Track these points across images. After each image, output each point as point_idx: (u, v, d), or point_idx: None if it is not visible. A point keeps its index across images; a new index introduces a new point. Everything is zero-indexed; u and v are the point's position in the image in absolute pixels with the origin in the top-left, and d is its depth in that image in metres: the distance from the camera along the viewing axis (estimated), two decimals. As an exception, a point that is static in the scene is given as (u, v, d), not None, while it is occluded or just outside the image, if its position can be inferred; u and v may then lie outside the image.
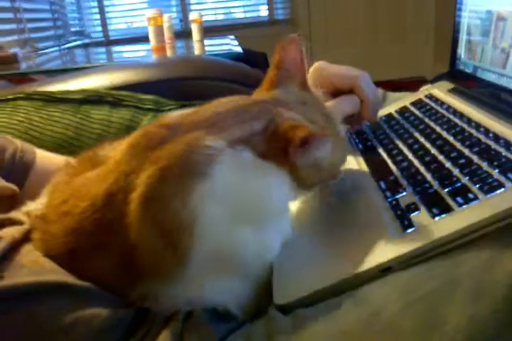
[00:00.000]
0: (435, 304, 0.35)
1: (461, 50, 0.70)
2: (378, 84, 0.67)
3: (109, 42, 3.43)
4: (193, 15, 2.14)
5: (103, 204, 0.42)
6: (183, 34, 3.04)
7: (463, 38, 0.69)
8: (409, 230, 0.42)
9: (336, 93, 0.64)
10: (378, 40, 3.78)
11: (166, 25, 1.81)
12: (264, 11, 3.85)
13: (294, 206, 0.54)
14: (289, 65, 0.54)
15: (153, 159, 0.42)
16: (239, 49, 1.72)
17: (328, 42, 3.76)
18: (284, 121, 0.45)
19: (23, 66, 1.74)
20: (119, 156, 0.45)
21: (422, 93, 0.74)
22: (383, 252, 0.41)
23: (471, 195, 0.42)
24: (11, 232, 0.46)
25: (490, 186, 0.42)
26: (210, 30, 3.04)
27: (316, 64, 0.66)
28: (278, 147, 0.44)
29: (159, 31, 1.73)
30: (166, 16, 1.84)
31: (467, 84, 0.67)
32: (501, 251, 0.37)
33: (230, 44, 1.99)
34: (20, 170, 0.67)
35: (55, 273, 0.43)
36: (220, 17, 3.89)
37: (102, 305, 0.42)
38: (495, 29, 0.58)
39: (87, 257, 0.44)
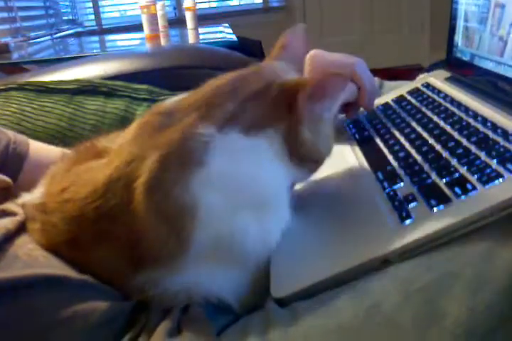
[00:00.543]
0: (434, 296, 0.35)
1: (458, 38, 0.69)
2: (374, 71, 0.66)
3: (102, 31, 3.38)
4: (186, 3, 2.11)
5: (106, 190, 0.42)
6: (177, 22, 3.01)
7: (460, 25, 0.68)
8: (408, 222, 0.42)
9: None
10: (374, 28, 3.74)
11: (159, 13, 1.79)
12: (258, -2, 3.80)
13: (292, 197, 0.54)
14: (294, 49, 0.55)
15: (154, 146, 0.42)
16: (233, 37, 1.70)
17: (323, 30, 3.72)
18: (290, 79, 0.47)
19: (15, 56, 1.72)
20: (121, 144, 0.46)
21: (418, 82, 0.73)
22: (382, 244, 0.41)
23: (469, 186, 0.41)
24: (5, 223, 0.46)
25: (488, 176, 0.41)
26: (204, 18, 3.01)
27: (312, 52, 0.65)
28: (279, 105, 0.46)
29: (153, 19, 1.71)
30: (159, 4, 1.82)
31: (464, 72, 0.66)
32: (500, 242, 0.37)
33: (224, 32, 1.97)
34: (13, 162, 0.66)
35: (50, 266, 0.43)
36: (214, 5, 3.84)
37: (100, 298, 0.42)
38: (492, 16, 0.58)
39: (88, 246, 0.44)
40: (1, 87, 0.92)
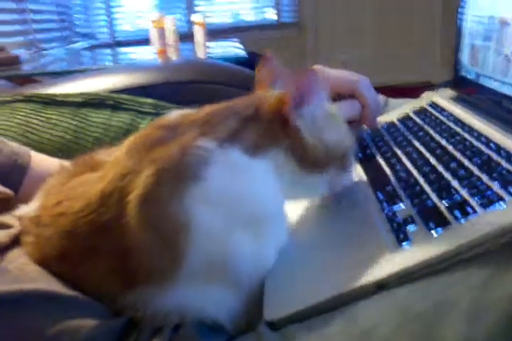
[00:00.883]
0: (430, 324, 0.34)
1: (464, 56, 0.68)
2: (384, 88, 0.66)
3: (115, 44, 3.43)
4: (195, 18, 2.12)
5: (99, 204, 0.42)
6: (190, 36, 3.04)
7: (465, 43, 0.67)
8: (405, 245, 0.41)
9: (335, 98, 0.63)
10: (385, 45, 3.75)
11: (170, 28, 1.80)
12: (271, 14, 3.84)
13: (290, 216, 0.53)
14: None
15: (151, 160, 0.42)
16: (242, 52, 1.71)
17: (334, 46, 3.74)
18: (272, 96, 0.48)
19: (27, 67, 1.74)
20: (117, 157, 0.46)
21: (424, 100, 0.72)
22: (378, 268, 0.40)
23: (469, 209, 0.40)
24: None
25: (489, 200, 0.40)
26: (217, 33, 3.04)
27: (315, 67, 0.65)
28: (273, 123, 0.46)
29: (162, 34, 1.73)
30: (169, 18, 1.84)
31: (470, 91, 0.66)
32: (502, 269, 0.35)
33: (234, 47, 1.98)
34: (15, 174, 0.66)
35: (41, 282, 0.42)
36: (228, 19, 3.88)
37: (89, 315, 0.41)
38: (497, 35, 0.57)
39: (79, 261, 0.43)
40: (8, 99, 0.93)
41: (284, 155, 0.46)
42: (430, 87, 0.76)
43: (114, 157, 0.47)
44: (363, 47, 3.75)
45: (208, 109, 0.49)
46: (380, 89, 0.66)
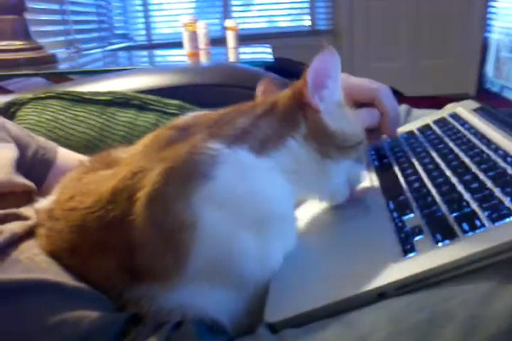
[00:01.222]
0: (424, 336, 0.34)
1: (490, 68, 0.67)
2: (420, 99, 0.65)
3: (151, 46, 3.49)
4: (228, 23, 2.16)
5: (109, 200, 0.43)
6: (224, 41, 3.08)
7: (492, 55, 0.66)
8: (410, 255, 0.40)
9: (355, 105, 0.62)
10: (421, 55, 3.70)
11: (201, 31, 1.83)
12: (307, 21, 3.85)
13: (300, 219, 0.53)
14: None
15: (161, 159, 0.43)
16: (270, 57, 1.72)
17: (369, 55, 3.72)
18: (288, 88, 0.49)
19: (64, 66, 1.80)
20: (131, 156, 0.47)
21: (446, 111, 0.71)
22: (380, 276, 0.40)
23: (477, 222, 0.40)
24: (12, 227, 0.47)
25: (499, 214, 0.39)
26: (253, 38, 3.06)
27: None
28: (292, 110, 0.48)
29: (194, 37, 1.76)
30: (202, 23, 1.87)
31: (493, 103, 0.64)
32: (504, 284, 0.35)
33: (264, 52, 1.99)
34: (41, 168, 0.68)
35: (49, 272, 0.43)
36: (264, 25, 3.91)
37: (93, 307, 0.42)
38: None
39: (88, 255, 0.44)
40: (41, 95, 0.96)
41: (303, 142, 0.47)
42: (468, 99, 0.75)
43: (128, 155, 0.48)
44: (398, 56, 3.71)
45: (222, 110, 0.50)
46: (416, 100, 0.66)
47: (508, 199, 0.41)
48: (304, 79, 0.47)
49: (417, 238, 0.42)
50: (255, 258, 0.43)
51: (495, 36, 0.61)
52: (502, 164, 0.48)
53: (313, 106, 0.48)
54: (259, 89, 0.57)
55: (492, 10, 0.63)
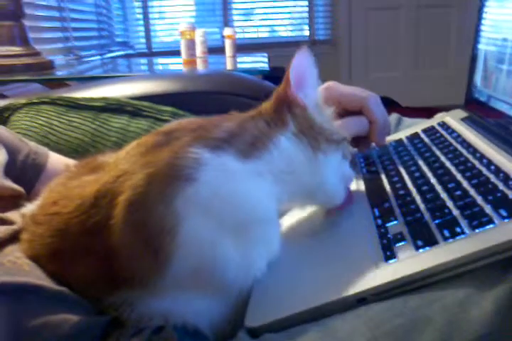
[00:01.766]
0: (401, 341, 0.34)
1: (478, 78, 0.68)
2: (418, 110, 0.66)
3: (150, 54, 3.51)
4: (226, 31, 2.17)
5: (91, 205, 0.42)
6: (223, 49, 3.10)
7: (480, 65, 0.67)
8: (391, 261, 0.41)
9: (344, 114, 0.63)
10: (419, 65, 3.72)
11: (199, 39, 1.84)
12: (306, 31, 3.87)
13: (283, 225, 0.53)
14: None
15: (144, 163, 0.42)
16: (266, 66, 1.74)
17: (368, 65, 3.74)
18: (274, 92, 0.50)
19: (62, 73, 1.80)
20: (115, 160, 0.47)
21: (435, 120, 0.72)
22: (360, 282, 0.40)
23: (458, 229, 0.40)
24: None
25: (479, 221, 0.40)
26: (252, 48, 3.08)
27: (327, 83, 0.65)
28: (278, 110, 0.48)
29: (191, 45, 1.77)
30: (199, 31, 1.88)
31: (481, 112, 0.65)
32: (481, 290, 0.35)
33: (260, 61, 2.00)
34: (31, 172, 0.68)
35: (31, 275, 0.43)
36: (265, 35, 3.94)
37: (74, 311, 0.42)
38: (510, 57, 0.56)
39: (69, 260, 0.44)
40: (35, 101, 0.96)
41: (294, 139, 0.47)
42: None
43: (113, 160, 0.48)
44: (396, 66, 3.73)
45: (208, 118, 0.50)
46: (413, 111, 0.66)
47: (489, 206, 0.41)
48: (287, 79, 0.48)
49: (398, 244, 0.42)
50: (238, 264, 0.43)
51: (483, 47, 0.61)
52: (486, 172, 0.48)
53: (299, 102, 0.48)
54: None
55: (482, 21, 0.64)
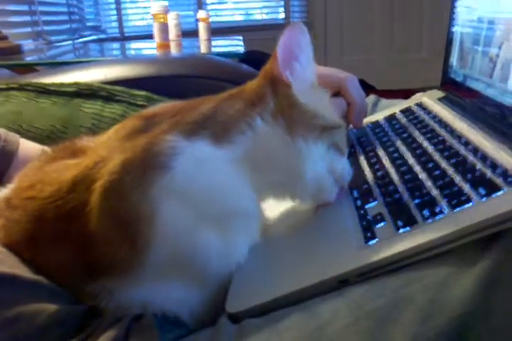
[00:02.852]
0: (382, 321, 0.34)
1: (454, 58, 0.68)
2: (393, 92, 0.65)
3: (123, 38, 3.44)
4: (200, 14, 2.13)
5: (69, 190, 0.41)
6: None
7: (456, 45, 0.67)
8: (371, 242, 0.40)
9: None
10: (394, 48, 3.73)
11: (172, 22, 1.80)
12: (281, 14, 3.83)
13: (263, 209, 0.53)
14: None
15: (122, 149, 0.42)
16: (241, 49, 1.71)
17: (343, 48, 3.73)
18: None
19: (32, 58, 1.75)
20: (97, 145, 0.46)
21: (412, 101, 0.72)
22: (341, 264, 0.39)
23: (437, 209, 0.40)
24: None
25: (458, 200, 0.40)
26: (227, 31, 3.04)
27: None
28: (260, 89, 0.46)
29: (164, 28, 1.73)
30: (173, 14, 1.84)
31: (457, 92, 0.65)
32: (461, 269, 0.35)
33: (235, 45, 1.98)
34: (2, 160, 0.66)
35: (5, 264, 0.42)
36: (239, 18, 3.88)
37: (50, 301, 0.41)
38: (484, 37, 0.56)
39: (45, 246, 0.43)
40: (3, 87, 0.93)
41: (271, 120, 0.44)
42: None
43: (95, 144, 0.47)
44: (371, 50, 3.73)
45: (189, 101, 0.49)
46: (388, 93, 0.66)
47: (468, 186, 0.41)
48: (274, 54, 0.46)
49: (378, 225, 0.42)
50: (220, 251, 0.42)
51: (459, 29, 0.61)
52: (464, 152, 0.48)
53: (284, 79, 0.46)
54: None
55: (457, 3, 0.64)
